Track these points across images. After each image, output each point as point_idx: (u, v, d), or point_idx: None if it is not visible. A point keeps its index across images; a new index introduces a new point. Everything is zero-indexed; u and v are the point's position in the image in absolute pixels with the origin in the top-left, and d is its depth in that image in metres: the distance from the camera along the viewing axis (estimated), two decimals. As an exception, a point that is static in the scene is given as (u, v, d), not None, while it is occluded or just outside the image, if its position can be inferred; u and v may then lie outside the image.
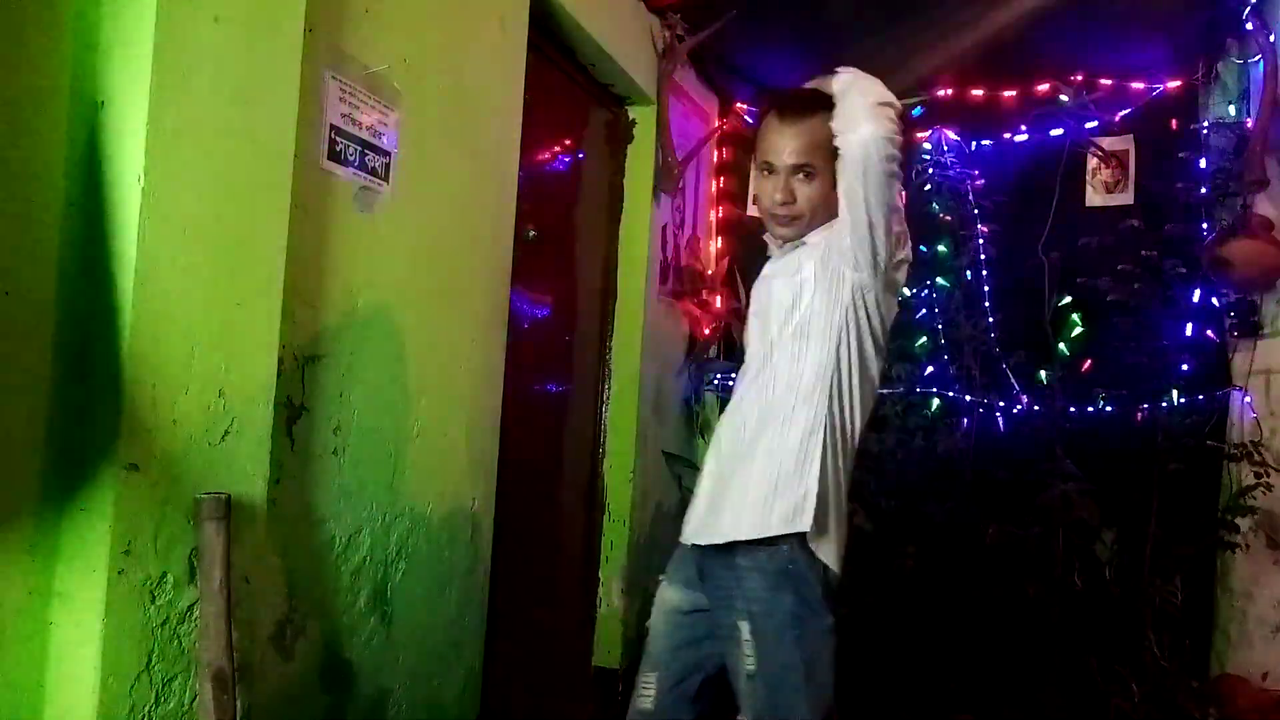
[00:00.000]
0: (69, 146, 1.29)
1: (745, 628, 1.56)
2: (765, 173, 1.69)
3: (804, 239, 1.70)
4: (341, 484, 1.80)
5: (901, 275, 1.67)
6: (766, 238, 1.81)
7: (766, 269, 1.79)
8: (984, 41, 3.15)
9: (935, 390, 3.36)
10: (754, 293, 1.82)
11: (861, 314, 1.62)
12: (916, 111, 3.60)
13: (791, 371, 1.64)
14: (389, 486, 1.94)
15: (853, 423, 1.65)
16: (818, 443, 1.60)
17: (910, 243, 1.67)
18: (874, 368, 1.67)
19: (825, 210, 1.65)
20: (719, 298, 3.67)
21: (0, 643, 1.23)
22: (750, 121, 3.88)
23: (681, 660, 1.70)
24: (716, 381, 3.75)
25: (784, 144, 1.64)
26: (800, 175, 1.64)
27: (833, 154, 1.58)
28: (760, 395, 1.67)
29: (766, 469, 1.60)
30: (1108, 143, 3.40)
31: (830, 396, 1.61)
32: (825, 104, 1.60)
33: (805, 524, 1.55)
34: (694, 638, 1.70)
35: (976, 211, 3.45)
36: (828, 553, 1.58)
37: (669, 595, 1.75)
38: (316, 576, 1.75)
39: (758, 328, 1.75)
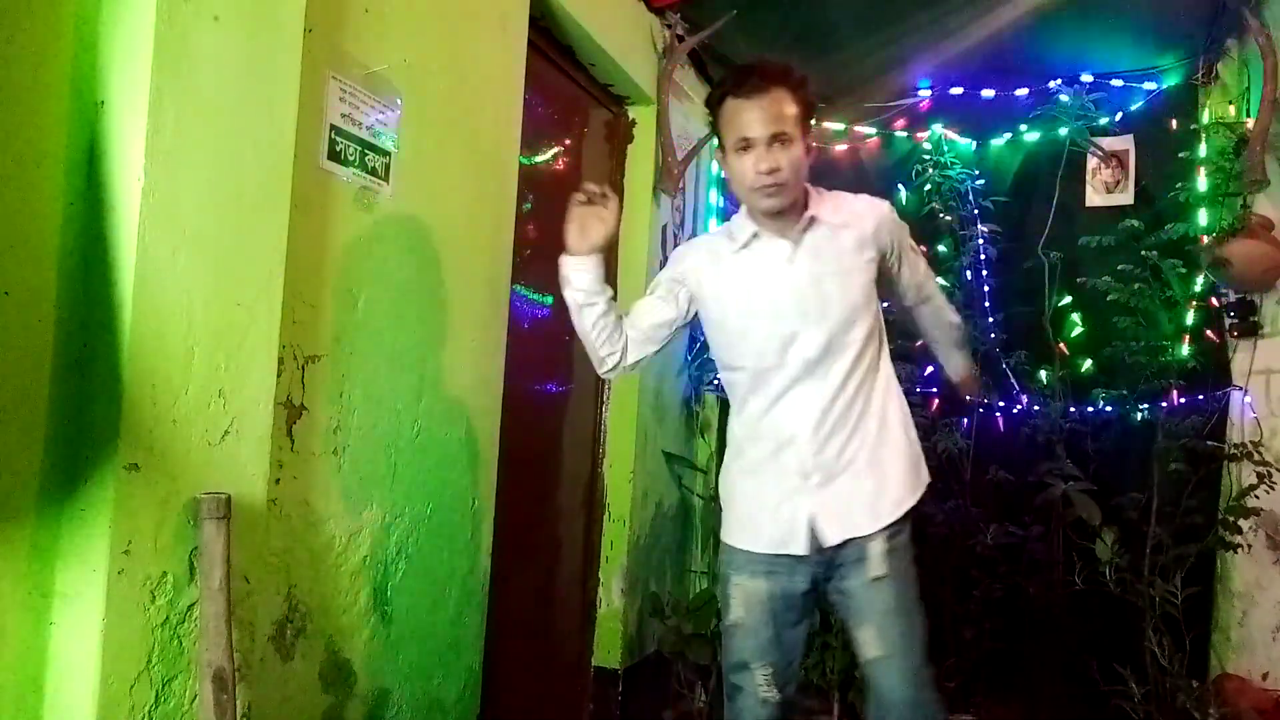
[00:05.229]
0: (69, 146, 1.29)
1: (880, 544, 1.77)
2: (741, 150, 1.74)
3: (815, 216, 1.80)
4: (341, 484, 1.80)
5: None
6: (740, 220, 1.88)
7: (762, 253, 1.84)
8: (984, 41, 3.15)
9: (935, 390, 3.36)
10: (757, 283, 1.84)
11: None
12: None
13: (856, 363, 1.80)
14: (389, 486, 1.94)
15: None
16: (896, 407, 1.85)
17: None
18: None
19: (804, 172, 1.77)
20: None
21: (0, 643, 1.23)
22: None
23: (788, 643, 1.83)
24: (716, 381, 3.75)
25: (756, 116, 1.71)
26: (778, 144, 1.72)
27: (801, 120, 1.74)
28: (823, 394, 1.78)
29: (886, 456, 1.80)
30: (1108, 143, 3.40)
31: (880, 363, 1.85)
32: (777, 75, 1.73)
33: (927, 478, 1.89)
34: (795, 620, 1.84)
35: (976, 211, 3.44)
36: None
37: (759, 585, 1.82)
38: (316, 576, 1.75)
39: (806, 329, 1.79)
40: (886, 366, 1.88)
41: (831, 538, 1.77)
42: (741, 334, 1.85)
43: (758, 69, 1.74)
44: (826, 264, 1.81)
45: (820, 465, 1.78)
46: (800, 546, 1.78)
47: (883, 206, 1.89)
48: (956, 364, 2.21)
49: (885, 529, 1.78)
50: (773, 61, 1.76)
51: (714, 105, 1.80)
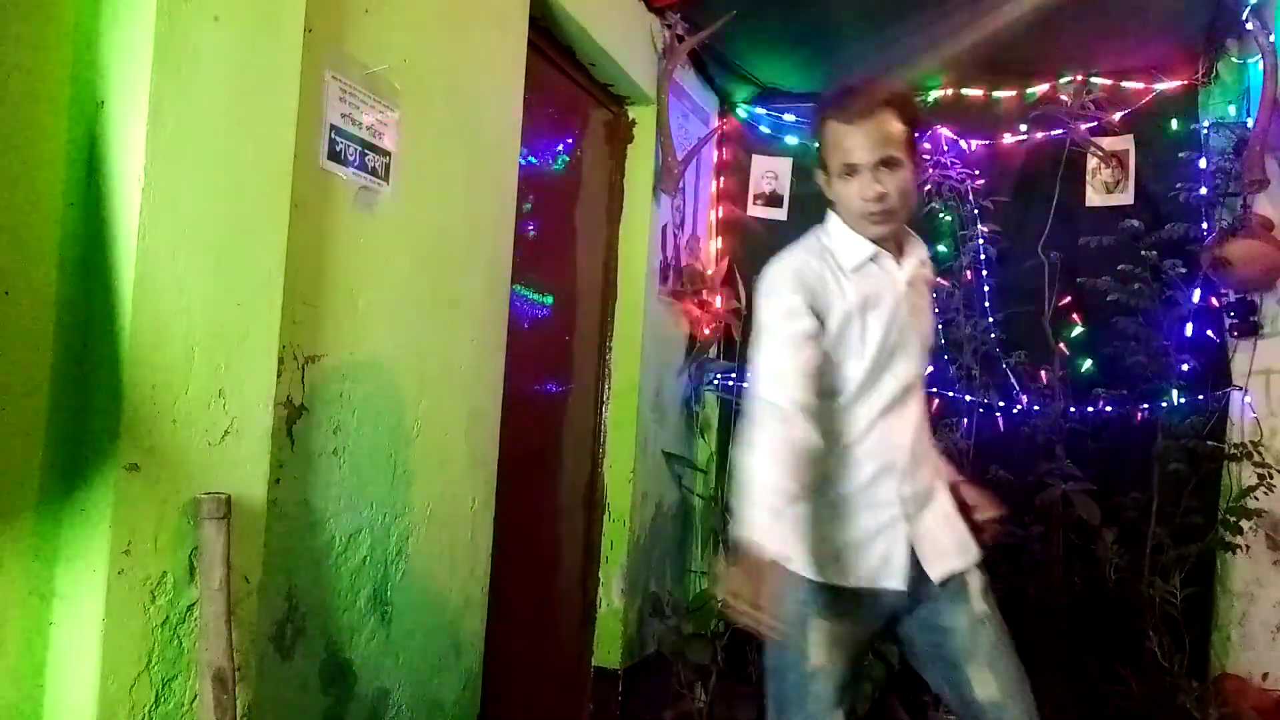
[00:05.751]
0: (69, 146, 1.29)
1: (976, 579, 1.74)
2: (847, 175, 1.66)
3: (908, 249, 1.76)
4: (341, 484, 1.80)
5: None
6: (845, 237, 1.72)
7: (875, 275, 1.71)
8: (984, 41, 3.15)
9: (935, 390, 3.36)
10: (871, 305, 1.70)
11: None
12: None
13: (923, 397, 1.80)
14: (389, 486, 1.94)
15: None
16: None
17: None
18: None
19: (913, 196, 1.73)
20: (719, 298, 3.67)
21: (0, 643, 1.23)
22: (748, 124, 3.89)
23: (851, 689, 1.72)
24: (716, 381, 3.75)
25: (862, 141, 1.63)
26: (885, 168, 1.64)
27: (907, 142, 1.66)
28: (911, 422, 1.75)
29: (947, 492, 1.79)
30: (1108, 143, 3.39)
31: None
32: (884, 98, 1.65)
33: None
34: (861, 654, 1.77)
35: (976, 212, 3.44)
36: None
37: (843, 626, 1.68)
38: (316, 576, 1.75)
39: (902, 354, 1.73)
40: None
41: (936, 572, 1.69)
42: (847, 358, 1.70)
43: (862, 90, 1.66)
44: (922, 295, 1.80)
45: (914, 496, 1.71)
46: (898, 580, 1.67)
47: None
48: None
49: (976, 563, 1.75)
50: (878, 82, 1.67)
51: (816, 125, 1.72)
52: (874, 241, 1.71)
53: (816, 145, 1.75)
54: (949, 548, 1.73)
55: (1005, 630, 1.73)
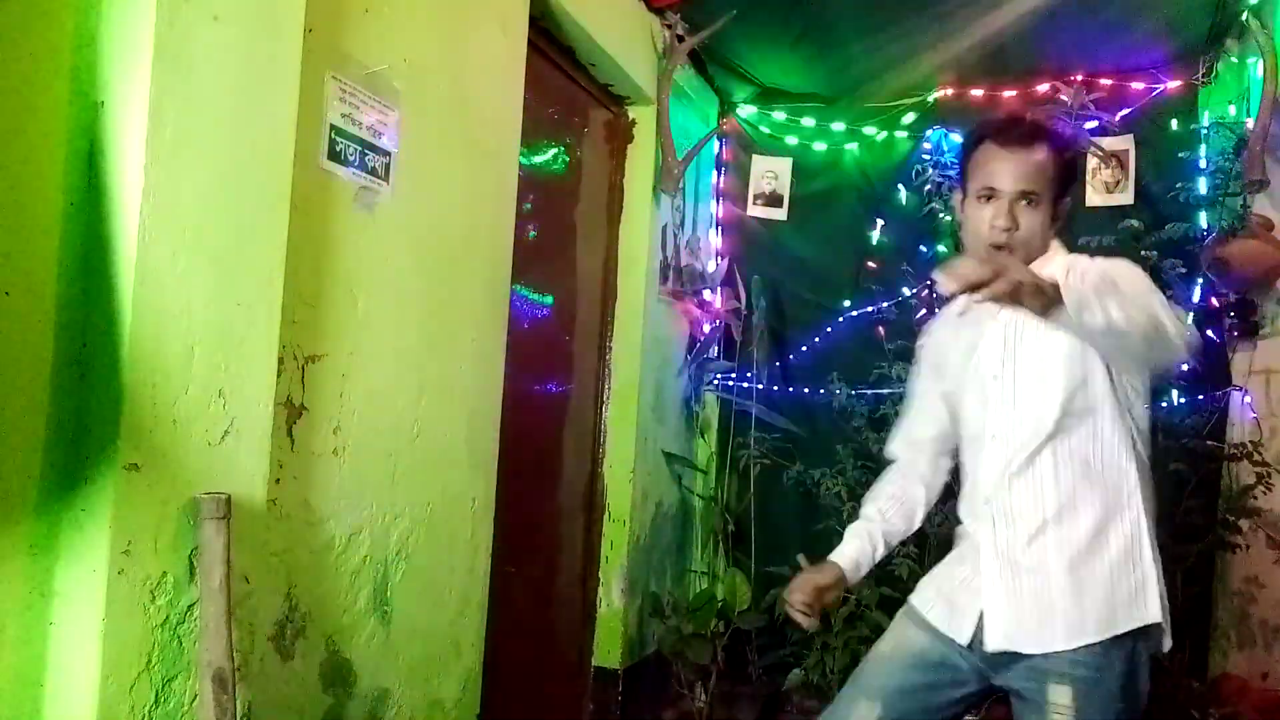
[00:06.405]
0: (69, 146, 1.29)
1: (1065, 692, 1.49)
2: (983, 199, 1.60)
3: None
4: (341, 484, 1.80)
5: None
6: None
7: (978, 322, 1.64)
8: (984, 41, 3.15)
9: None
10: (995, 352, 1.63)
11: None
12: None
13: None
14: (389, 486, 1.94)
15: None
16: (1142, 527, 1.55)
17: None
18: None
19: (1041, 245, 1.60)
20: (719, 298, 3.67)
21: (0, 643, 1.23)
22: (748, 124, 3.89)
23: (911, 703, 1.63)
24: (716, 381, 3.75)
25: (1009, 168, 1.58)
26: (1025, 202, 1.57)
27: (1055, 185, 1.59)
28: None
29: (1098, 561, 1.53)
30: (1108, 143, 3.39)
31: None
32: (1045, 134, 1.61)
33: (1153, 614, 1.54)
34: (934, 684, 1.64)
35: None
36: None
37: (916, 636, 1.67)
38: (316, 576, 1.75)
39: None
40: None
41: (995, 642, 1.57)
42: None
43: (1028, 121, 1.64)
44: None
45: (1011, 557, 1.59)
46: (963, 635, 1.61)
47: None
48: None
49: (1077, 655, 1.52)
50: (1044, 120, 1.64)
51: (969, 146, 1.67)
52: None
53: (959, 166, 1.71)
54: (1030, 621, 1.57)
55: None
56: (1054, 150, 1.60)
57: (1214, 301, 3.16)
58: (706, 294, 3.64)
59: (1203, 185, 3.16)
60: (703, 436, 3.78)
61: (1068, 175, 1.64)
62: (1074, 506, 1.54)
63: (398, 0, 1.90)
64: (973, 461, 1.68)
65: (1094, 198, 3.42)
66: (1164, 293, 1.36)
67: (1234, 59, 3.22)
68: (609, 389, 3.23)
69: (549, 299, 2.87)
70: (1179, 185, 3.17)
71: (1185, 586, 2.88)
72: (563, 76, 2.88)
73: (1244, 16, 2.95)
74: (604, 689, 3.16)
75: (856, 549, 1.76)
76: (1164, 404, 3.10)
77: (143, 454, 1.30)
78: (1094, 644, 1.49)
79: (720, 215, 3.86)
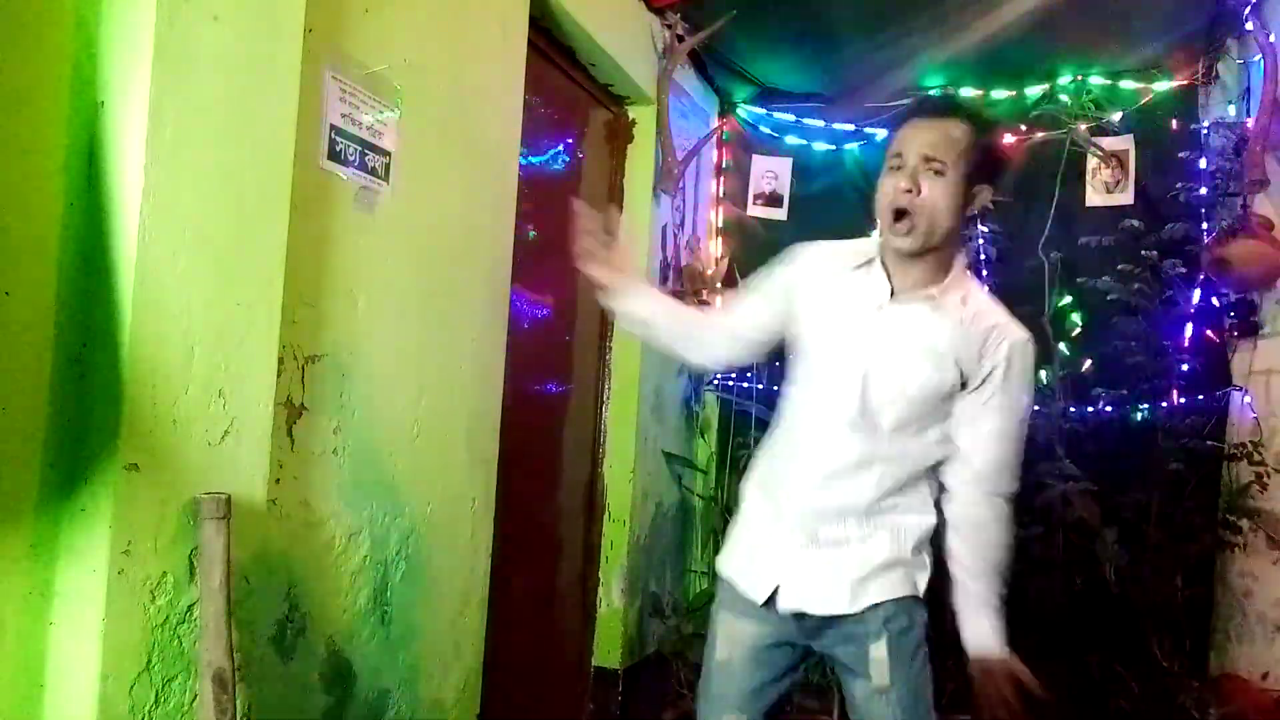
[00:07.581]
0: (69, 147, 1.29)
1: (881, 646, 1.59)
2: (894, 169, 1.58)
3: (933, 292, 1.60)
4: (341, 484, 1.80)
5: None
6: (869, 242, 1.67)
7: (863, 285, 1.64)
8: (983, 41, 3.15)
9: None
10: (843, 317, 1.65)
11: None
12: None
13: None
14: (389, 486, 1.94)
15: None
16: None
17: None
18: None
19: (946, 219, 1.57)
20: (719, 298, 3.67)
21: (0, 643, 1.23)
22: (748, 124, 3.89)
23: (767, 697, 1.68)
24: (716, 381, 3.76)
25: (916, 134, 1.58)
26: (929, 170, 1.55)
27: (965, 160, 1.56)
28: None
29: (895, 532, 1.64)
30: (1108, 143, 3.39)
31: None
32: (959, 109, 1.62)
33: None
34: (779, 672, 1.68)
35: (976, 212, 3.44)
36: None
37: (745, 628, 1.68)
38: (316, 576, 1.75)
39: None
40: None
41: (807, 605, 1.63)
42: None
43: (943, 98, 1.66)
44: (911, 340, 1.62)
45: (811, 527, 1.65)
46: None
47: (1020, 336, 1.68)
48: (981, 628, 1.66)
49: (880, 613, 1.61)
50: (971, 100, 1.66)
51: (896, 127, 1.66)
52: (900, 260, 1.61)
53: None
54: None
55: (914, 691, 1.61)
56: (969, 126, 1.58)
57: (1214, 301, 3.16)
58: (706, 294, 3.63)
59: (1203, 185, 3.16)
60: (703, 436, 3.78)
61: (984, 160, 1.60)
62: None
63: (398, 0, 1.90)
64: (809, 433, 1.68)
65: (1094, 198, 3.42)
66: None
67: (1234, 59, 3.22)
68: (609, 389, 3.23)
69: (549, 299, 2.87)
70: (1179, 185, 3.17)
71: (1185, 586, 2.88)
72: (562, 76, 2.88)
73: (1244, 16, 2.95)
74: (604, 689, 3.16)
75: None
76: (1164, 404, 3.11)
77: (143, 454, 1.30)
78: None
79: (720, 215, 3.86)
